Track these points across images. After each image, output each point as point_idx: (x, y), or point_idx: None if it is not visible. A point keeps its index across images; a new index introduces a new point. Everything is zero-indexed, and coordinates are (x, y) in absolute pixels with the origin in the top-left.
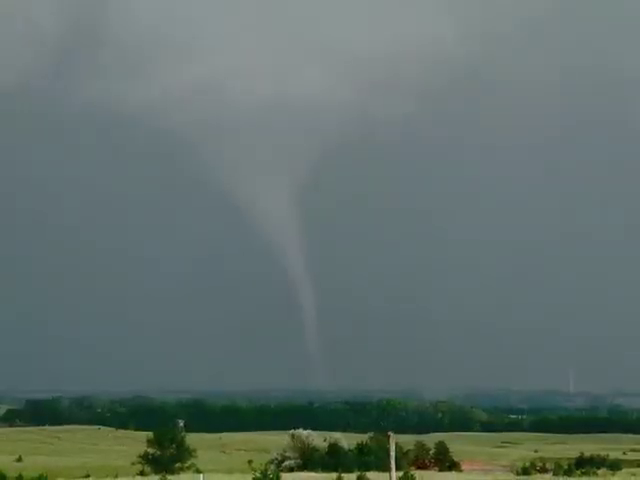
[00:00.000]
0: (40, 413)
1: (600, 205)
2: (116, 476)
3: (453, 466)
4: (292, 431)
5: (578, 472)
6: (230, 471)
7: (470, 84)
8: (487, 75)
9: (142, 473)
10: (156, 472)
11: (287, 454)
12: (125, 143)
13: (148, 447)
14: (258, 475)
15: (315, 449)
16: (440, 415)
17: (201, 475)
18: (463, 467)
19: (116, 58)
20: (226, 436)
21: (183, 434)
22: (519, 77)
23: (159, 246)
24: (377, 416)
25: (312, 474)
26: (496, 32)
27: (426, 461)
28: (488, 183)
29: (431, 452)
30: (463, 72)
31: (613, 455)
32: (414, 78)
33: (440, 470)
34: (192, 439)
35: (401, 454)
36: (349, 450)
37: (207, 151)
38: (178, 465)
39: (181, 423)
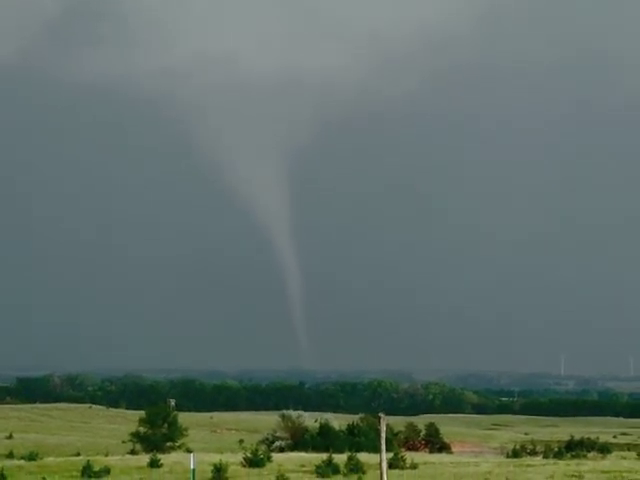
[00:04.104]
0: (31, 391)
1: (600, 190)
2: (107, 454)
3: (443, 448)
4: (283, 411)
5: (568, 455)
6: (221, 450)
7: (473, 66)
8: (491, 57)
9: (133, 452)
10: (147, 451)
11: (277, 434)
12: (121, 126)
13: (139, 426)
14: (249, 455)
15: (306, 429)
16: (431, 397)
17: (192, 454)
18: (454, 449)
19: (117, 29)
20: (217, 415)
21: (174, 413)
22: (524, 59)
23: (149, 231)
24: (368, 397)
25: (302, 454)
26: (502, 15)
27: (416, 442)
28: (487, 168)
29: (422, 434)
30: (468, 54)
31: (603, 438)
32: (422, 58)
33: (430, 452)
34: (183, 418)
35: (392, 435)
36: (340, 431)
37: (203, 131)
38: (169, 444)
39: (172, 402)
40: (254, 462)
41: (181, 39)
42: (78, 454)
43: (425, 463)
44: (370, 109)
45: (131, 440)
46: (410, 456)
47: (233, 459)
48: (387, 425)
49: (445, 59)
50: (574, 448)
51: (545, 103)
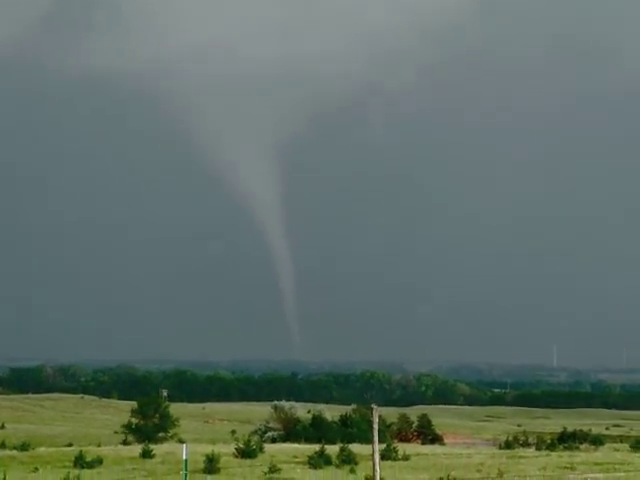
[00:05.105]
0: (24, 381)
1: (602, 188)
2: (99, 445)
3: (436, 439)
4: (275, 402)
5: (561, 447)
6: (213, 441)
7: (472, 58)
8: (489, 50)
9: (125, 442)
10: (139, 441)
11: (270, 425)
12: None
13: (132, 416)
14: (241, 445)
15: (298, 420)
16: (424, 388)
17: (184, 445)
18: (446, 440)
19: (112, 18)
20: (210, 406)
21: (166, 404)
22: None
23: (143, 223)
24: (361, 388)
25: (295, 445)
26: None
27: (409, 434)
28: (483, 165)
29: (414, 425)
30: (467, 46)
31: (596, 430)
32: (418, 50)
33: (423, 443)
34: (175, 409)
35: (384, 427)
36: (332, 422)
37: (198, 123)
38: (161, 434)
39: (165, 393)
40: (246, 453)
41: (177, 28)
42: (70, 444)
43: (417, 454)
44: (369, 99)
45: (123, 431)
46: (402, 447)
47: (225, 450)
48: (379, 416)
49: (444, 50)
50: (567, 440)
51: (545, 96)
